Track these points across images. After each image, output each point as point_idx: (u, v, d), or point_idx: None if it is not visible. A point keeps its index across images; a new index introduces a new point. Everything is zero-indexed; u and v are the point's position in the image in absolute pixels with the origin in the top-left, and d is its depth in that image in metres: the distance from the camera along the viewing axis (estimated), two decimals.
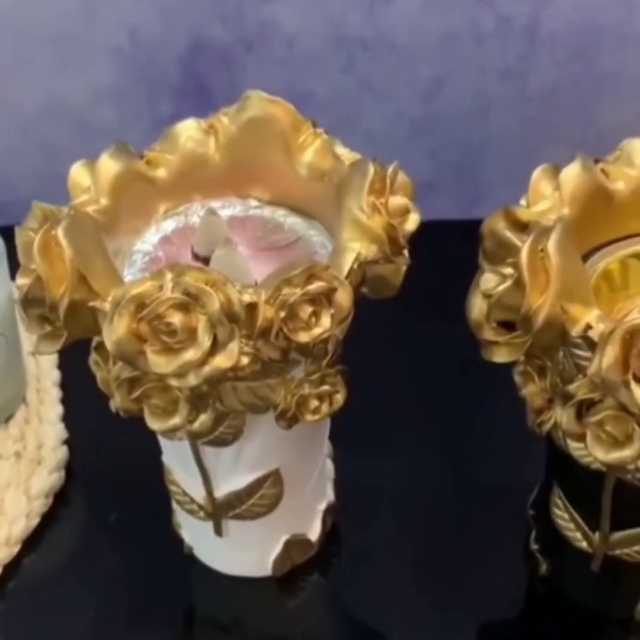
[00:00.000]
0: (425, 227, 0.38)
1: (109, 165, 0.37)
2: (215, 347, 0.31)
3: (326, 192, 0.37)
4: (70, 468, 0.49)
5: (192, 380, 0.31)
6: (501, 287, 0.32)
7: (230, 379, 0.34)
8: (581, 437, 0.33)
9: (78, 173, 0.37)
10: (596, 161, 0.37)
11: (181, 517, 0.44)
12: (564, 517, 0.40)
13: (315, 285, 0.31)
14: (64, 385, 0.54)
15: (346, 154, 0.38)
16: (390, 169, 0.35)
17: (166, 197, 0.39)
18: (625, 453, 0.32)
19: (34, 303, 0.33)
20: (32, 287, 0.33)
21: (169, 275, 0.30)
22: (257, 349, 0.32)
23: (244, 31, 0.57)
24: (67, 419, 0.52)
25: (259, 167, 0.39)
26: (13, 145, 0.62)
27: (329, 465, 0.45)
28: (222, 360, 0.31)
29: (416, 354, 0.53)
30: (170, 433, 0.35)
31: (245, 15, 0.57)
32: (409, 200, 0.36)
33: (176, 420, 0.33)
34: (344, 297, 0.32)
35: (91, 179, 0.36)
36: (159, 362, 0.30)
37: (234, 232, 0.38)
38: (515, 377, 0.36)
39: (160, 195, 0.38)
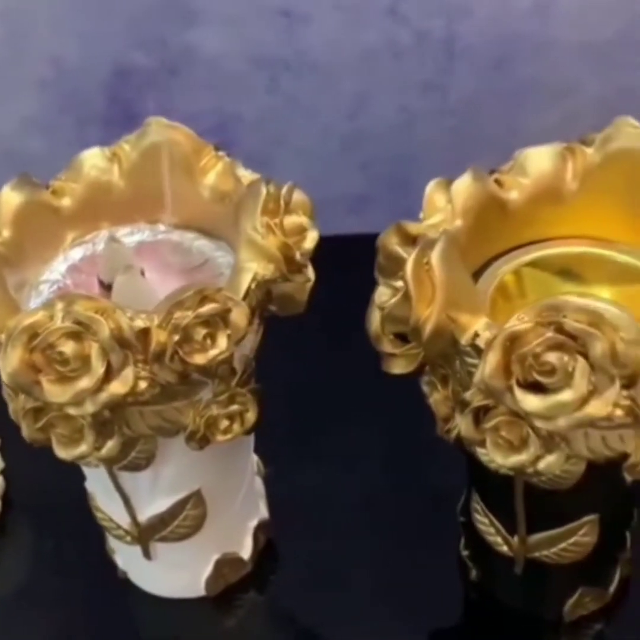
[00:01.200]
0: (360, 240, 0.38)
1: (11, 197, 0.37)
2: (110, 373, 0.31)
3: (228, 213, 0.37)
4: (6, 498, 0.50)
5: (89, 407, 0.31)
6: (392, 300, 0.32)
7: (135, 404, 0.34)
8: (482, 444, 0.33)
9: None
10: (492, 171, 0.38)
11: (113, 542, 0.44)
12: (484, 522, 0.40)
13: (208, 307, 0.32)
14: None
15: (247, 176, 0.38)
16: (284, 189, 0.36)
17: (73, 226, 0.39)
18: (522, 457, 0.32)
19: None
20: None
21: (59, 305, 0.31)
22: (154, 373, 0.32)
23: (167, 56, 0.58)
24: (3, 449, 0.52)
25: (163, 192, 0.39)
26: None
27: (258, 482, 0.46)
28: (117, 387, 0.31)
29: (337, 366, 0.53)
30: (79, 461, 0.35)
31: (166, 41, 0.57)
32: (307, 218, 0.36)
33: (82, 448, 0.34)
34: (239, 317, 0.33)
35: None
36: (54, 392, 0.31)
37: (144, 258, 0.39)
38: (422, 386, 0.37)
39: (66, 224, 0.39)
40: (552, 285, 0.36)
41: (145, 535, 0.41)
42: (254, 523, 0.45)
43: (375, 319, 0.34)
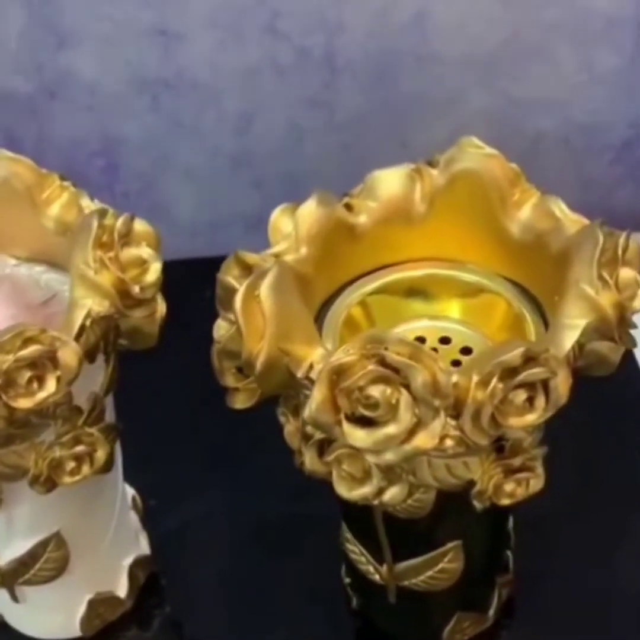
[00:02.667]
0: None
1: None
2: None
3: (70, 246, 0.36)
4: None
5: None
6: (227, 334, 0.32)
7: None
8: (329, 476, 0.33)
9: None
10: (344, 195, 0.37)
11: None
12: (354, 551, 0.40)
13: (31, 349, 0.31)
14: None
15: (91, 206, 0.37)
16: (119, 221, 0.34)
17: None
18: (366, 489, 0.31)
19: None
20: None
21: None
22: None
23: (45, 80, 0.57)
24: None
25: (8, 225, 0.38)
26: None
27: (133, 518, 0.45)
28: None
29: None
30: None
31: (42, 65, 0.56)
32: (151, 250, 0.35)
33: None
34: (69, 357, 0.31)
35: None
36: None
37: None
38: (279, 417, 0.36)
39: None
40: (401, 308, 0.36)
41: (9, 579, 0.40)
42: (129, 560, 0.44)
43: (214, 353, 0.33)
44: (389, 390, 0.28)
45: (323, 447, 0.32)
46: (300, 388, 0.32)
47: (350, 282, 0.36)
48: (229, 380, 0.33)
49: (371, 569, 0.39)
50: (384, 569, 0.38)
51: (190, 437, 0.51)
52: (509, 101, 0.59)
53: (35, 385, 0.31)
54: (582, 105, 0.59)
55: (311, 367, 0.31)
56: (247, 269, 0.33)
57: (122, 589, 0.44)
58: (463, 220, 0.35)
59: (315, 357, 0.31)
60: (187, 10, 0.54)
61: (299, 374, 0.31)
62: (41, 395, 0.31)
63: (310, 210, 0.35)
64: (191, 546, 0.47)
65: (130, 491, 0.45)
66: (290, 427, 0.35)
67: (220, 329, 0.32)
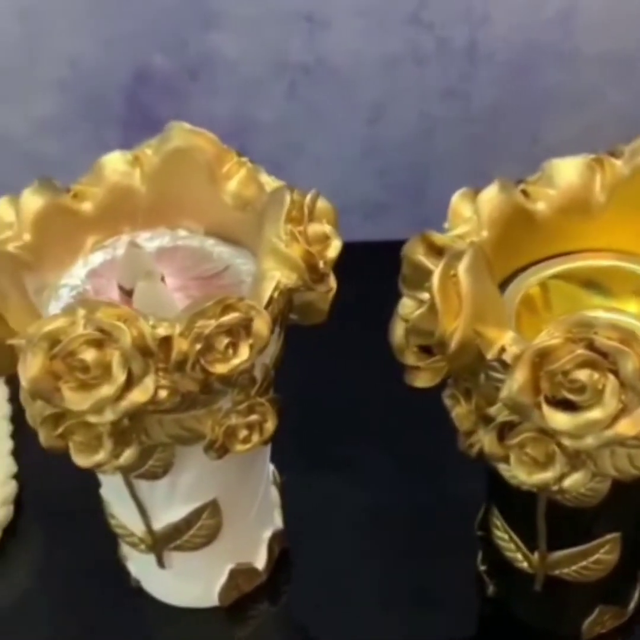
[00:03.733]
0: (379, 248, 0.38)
1: (31, 200, 0.37)
2: (131, 381, 0.31)
3: (251, 219, 0.37)
4: (19, 502, 0.49)
5: (109, 415, 0.31)
6: (417, 312, 0.32)
7: (154, 412, 0.34)
8: (505, 459, 0.33)
9: (2, 209, 0.37)
10: (519, 182, 0.37)
11: (126, 550, 0.44)
12: (503, 538, 0.40)
13: (230, 317, 0.31)
14: (14, 419, 0.53)
15: (270, 183, 0.38)
16: (308, 197, 0.35)
17: (93, 230, 0.39)
18: (548, 475, 0.32)
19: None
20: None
21: (81, 312, 0.30)
22: (174, 382, 0.32)
23: (187, 60, 0.58)
24: (17, 453, 0.51)
25: (185, 198, 0.39)
26: None
27: (274, 492, 0.45)
28: (138, 395, 0.31)
29: (356, 377, 0.53)
30: (96, 469, 0.34)
31: (187, 44, 0.57)
32: (331, 226, 0.36)
33: (100, 456, 0.33)
34: (261, 327, 0.32)
35: (15, 215, 0.36)
36: (74, 399, 0.30)
37: (163, 263, 0.38)
38: (445, 400, 0.36)
39: (87, 228, 0.38)
40: (579, 298, 0.36)
41: (160, 544, 0.41)
42: (268, 533, 0.44)
43: (398, 331, 0.33)
44: (596, 375, 0.28)
45: (504, 431, 0.32)
46: (485, 370, 0.32)
47: (524, 269, 0.37)
48: (410, 358, 0.33)
49: (519, 556, 0.39)
50: (536, 557, 0.39)
51: (324, 417, 0.51)
52: None
53: (230, 351, 0.32)
54: None
55: (503, 349, 0.31)
56: (434, 249, 0.33)
57: (260, 561, 0.44)
58: None
59: (506, 340, 0.31)
60: None
61: (490, 355, 0.31)
62: (235, 361, 0.32)
63: (492, 195, 0.35)
64: (318, 525, 0.48)
65: (270, 465, 0.46)
66: (460, 410, 0.35)
67: (406, 307, 0.33)
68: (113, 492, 0.40)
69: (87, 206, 0.38)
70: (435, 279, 0.31)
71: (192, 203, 0.39)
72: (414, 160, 0.62)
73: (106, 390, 0.30)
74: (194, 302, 0.32)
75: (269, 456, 0.43)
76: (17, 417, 0.53)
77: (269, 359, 0.37)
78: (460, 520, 0.45)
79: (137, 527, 0.40)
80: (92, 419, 0.31)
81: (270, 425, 0.36)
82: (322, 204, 0.36)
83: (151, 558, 0.42)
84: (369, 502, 0.48)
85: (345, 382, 0.52)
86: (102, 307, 0.30)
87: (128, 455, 0.34)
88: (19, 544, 0.48)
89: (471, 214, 0.35)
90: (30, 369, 0.30)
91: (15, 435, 0.52)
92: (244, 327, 0.32)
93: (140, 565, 0.44)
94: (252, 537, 0.44)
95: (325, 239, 0.35)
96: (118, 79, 0.58)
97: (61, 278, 0.38)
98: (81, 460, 0.33)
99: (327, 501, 0.48)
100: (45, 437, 0.34)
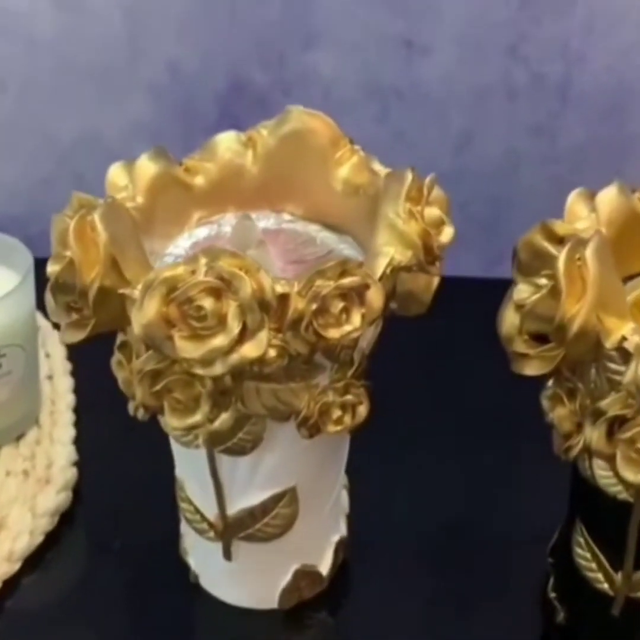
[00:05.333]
0: (447, 283, 0.38)
1: (147, 166, 0.37)
2: (244, 335, 0.30)
3: (360, 206, 0.37)
4: (77, 491, 0.49)
5: (219, 368, 0.31)
6: (535, 297, 0.32)
7: (254, 378, 0.33)
8: (611, 458, 0.32)
9: (116, 173, 0.37)
10: (633, 190, 0.37)
11: (189, 543, 0.43)
12: (586, 556, 0.38)
13: (349, 280, 0.31)
14: (77, 410, 0.53)
15: (383, 170, 0.38)
16: (427, 180, 0.35)
17: (201, 205, 0.39)
18: None
19: (63, 289, 0.33)
20: (63, 272, 0.32)
21: (203, 260, 0.30)
22: (286, 342, 0.31)
23: (283, 76, 0.59)
24: (79, 443, 0.51)
25: (294, 181, 0.39)
26: (48, 176, 0.63)
27: (344, 497, 0.44)
28: (250, 349, 0.30)
29: (437, 386, 0.52)
30: (190, 431, 0.34)
31: (286, 60, 0.58)
32: (444, 214, 0.36)
33: (197, 417, 0.33)
34: (375, 297, 0.32)
35: (129, 179, 0.37)
36: (186, 348, 0.30)
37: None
38: (543, 402, 0.36)
39: (195, 202, 0.38)
40: None
41: (231, 530, 0.40)
42: (336, 537, 0.43)
43: (509, 318, 0.33)
44: None
45: (614, 427, 0.32)
46: (600, 361, 0.32)
47: (634, 276, 0.36)
48: (521, 346, 0.33)
49: (601, 576, 0.38)
50: (619, 577, 0.37)
51: (403, 421, 0.50)
52: None
53: (343, 317, 0.31)
54: None
55: (624, 339, 0.30)
56: (554, 238, 0.33)
57: (325, 566, 0.43)
58: None
59: (627, 329, 0.31)
60: (438, 24, 0.55)
61: (609, 344, 0.31)
62: (347, 328, 0.31)
63: (611, 196, 0.35)
64: (382, 538, 0.46)
65: None
66: (562, 411, 0.34)
67: (522, 293, 0.33)
68: (191, 471, 0.39)
69: (198, 180, 0.38)
70: (561, 262, 0.31)
71: (300, 187, 0.39)
72: (493, 194, 0.62)
73: (220, 340, 0.30)
74: (313, 266, 0.32)
75: (347, 452, 0.42)
76: (80, 408, 0.53)
77: (366, 344, 0.36)
78: (530, 544, 0.44)
79: (210, 510, 0.39)
80: (201, 370, 0.31)
81: (363, 409, 0.36)
82: (437, 191, 0.36)
83: (217, 549, 0.41)
84: (435, 519, 0.47)
85: (425, 389, 0.52)
86: (225, 256, 0.30)
87: (224, 419, 0.33)
88: (74, 531, 0.47)
89: (588, 213, 0.35)
90: (145, 314, 0.30)
91: (77, 426, 0.52)
92: (358, 294, 0.32)
93: (202, 559, 0.43)
94: (321, 538, 0.43)
95: (440, 224, 0.35)
96: (213, 88, 0.59)
97: (166, 247, 0.38)
98: (176, 421, 0.33)
99: (393, 513, 0.47)
100: (142, 394, 0.33)
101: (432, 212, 0.35)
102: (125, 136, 0.61)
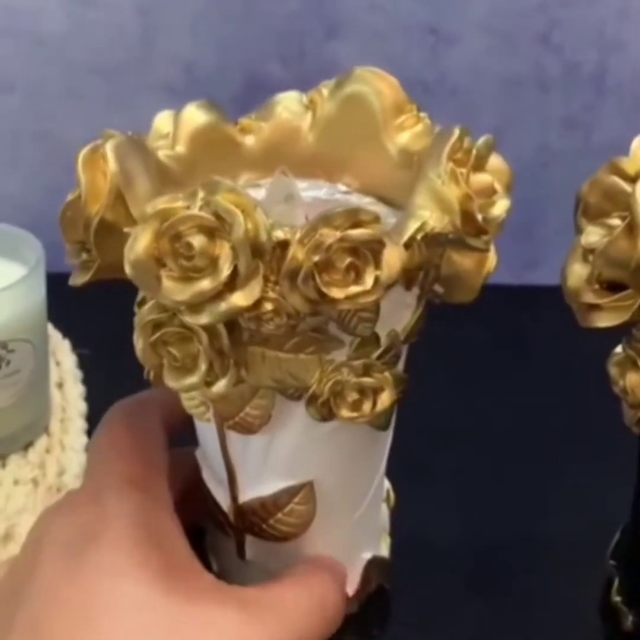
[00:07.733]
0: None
1: (193, 114, 0.34)
2: (235, 281, 0.27)
3: (414, 177, 0.33)
4: None
5: (206, 316, 0.27)
6: (608, 238, 0.29)
7: (259, 344, 0.30)
8: None
9: (162, 120, 0.34)
10: None
11: (209, 540, 0.38)
12: None
13: (359, 232, 0.27)
14: (89, 418, 0.51)
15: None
16: (481, 140, 0.31)
17: (250, 167, 0.35)
18: None
19: (71, 224, 0.31)
20: (72, 203, 0.30)
21: (200, 194, 0.27)
22: (283, 295, 0.28)
23: (303, 70, 0.56)
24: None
25: (352, 150, 0.35)
26: (59, 183, 0.61)
27: (384, 510, 0.39)
28: (240, 298, 0.27)
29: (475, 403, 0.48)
30: (188, 391, 0.31)
31: (305, 53, 0.56)
32: (501, 186, 0.32)
33: (193, 378, 0.30)
34: (393, 259, 0.28)
35: (172, 128, 0.34)
36: (172, 289, 0.27)
37: (313, 214, 0.35)
38: (611, 369, 0.32)
39: (245, 163, 0.35)
40: None
41: (243, 521, 0.35)
42: (368, 555, 0.37)
43: (575, 269, 0.30)
44: None
45: None
46: None
47: None
48: (590, 296, 0.30)
49: None
50: None
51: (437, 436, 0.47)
52: None
53: (352, 275, 0.28)
54: None
55: None
56: (626, 177, 0.31)
57: (351, 586, 0.37)
58: None
59: None
60: (464, 12, 0.53)
61: None
62: (354, 289, 0.28)
63: None
64: (427, 557, 0.42)
65: (386, 482, 0.39)
66: (635, 377, 0.31)
67: (591, 235, 0.30)
68: (205, 451, 0.36)
69: (249, 140, 0.35)
70: (637, 197, 0.29)
71: (358, 156, 0.35)
72: (524, 194, 0.58)
73: (207, 283, 0.27)
74: (323, 210, 0.28)
75: (385, 459, 0.37)
76: (91, 417, 0.51)
77: (401, 327, 0.32)
78: (580, 551, 0.41)
79: (222, 497, 0.35)
80: (188, 317, 0.28)
81: (385, 398, 0.31)
82: (497, 161, 0.32)
83: (232, 547, 0.36)
84: (481, 533, 0.44)
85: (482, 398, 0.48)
86: (223, 191, 0.27)
87: (222, 385, 0.30)
88: None
89: None
90: (135, 249, 0.27)
91: (89, 434, 0.50)
92: (372, 251, 0.28)
93: (221, 558, 0.38)
94: (347, 551, 0.37)
95: (491, 193, 0.31)
96: (230, 86, 0.57)
97: None
98: (173, 380, 0.30)
99: (441, 535, 0.43)
100: (142, 348, 0.30)
101: (482, 178, 0.31)
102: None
